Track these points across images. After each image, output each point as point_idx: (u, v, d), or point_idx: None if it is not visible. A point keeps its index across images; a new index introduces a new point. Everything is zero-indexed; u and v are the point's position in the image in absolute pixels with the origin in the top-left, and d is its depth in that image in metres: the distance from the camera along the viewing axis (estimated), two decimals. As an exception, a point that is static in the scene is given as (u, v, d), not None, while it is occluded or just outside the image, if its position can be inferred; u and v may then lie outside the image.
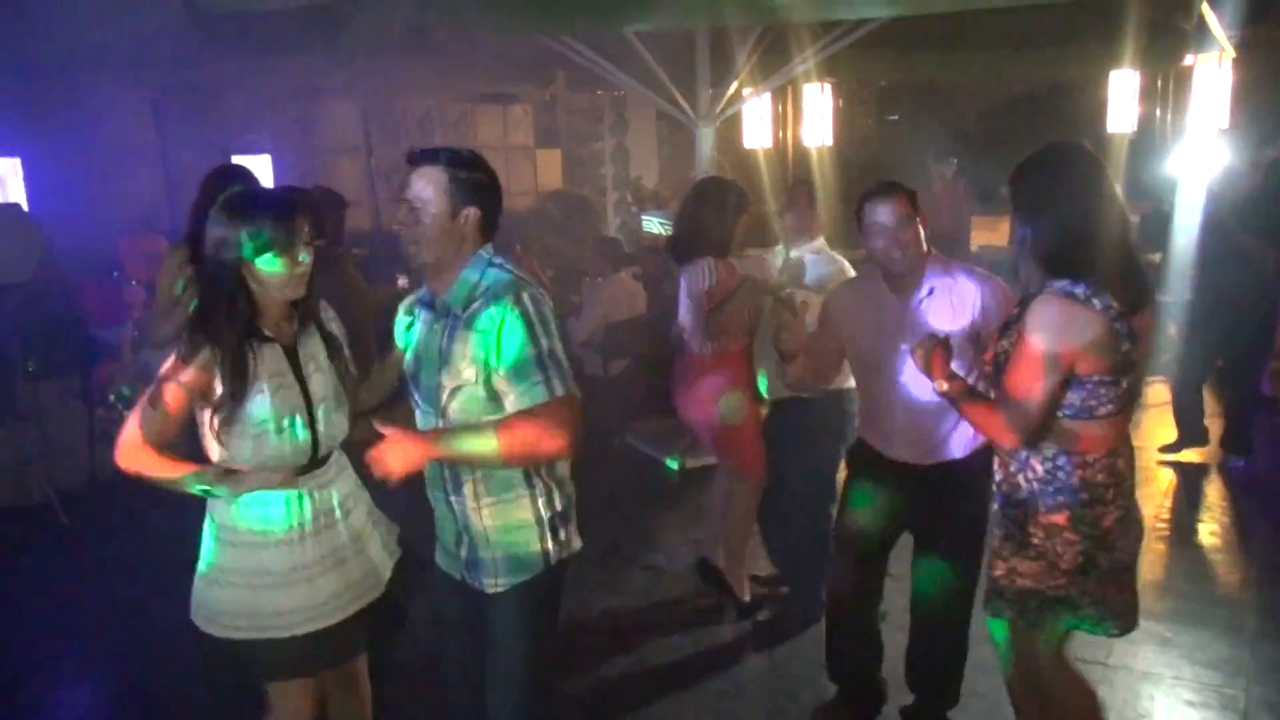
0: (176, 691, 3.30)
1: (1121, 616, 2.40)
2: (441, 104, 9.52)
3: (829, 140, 7.36)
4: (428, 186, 2.19)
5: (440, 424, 2.25)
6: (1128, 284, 2.24)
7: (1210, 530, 4.80)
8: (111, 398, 5.14)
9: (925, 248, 2.81)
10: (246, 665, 2.30)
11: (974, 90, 13.16)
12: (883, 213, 2.77)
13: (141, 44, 4.51)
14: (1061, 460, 2.30)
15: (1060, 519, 2.32)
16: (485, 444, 2.10)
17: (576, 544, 2.37)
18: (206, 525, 2.32)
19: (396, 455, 2.06)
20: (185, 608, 2.34)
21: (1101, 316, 2.19)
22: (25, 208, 5.94)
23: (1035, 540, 2.35)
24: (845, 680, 3.24)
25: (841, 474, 3.33)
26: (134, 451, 2.16)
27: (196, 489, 2.19)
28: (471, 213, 2.22)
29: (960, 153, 8.19)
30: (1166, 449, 5.63)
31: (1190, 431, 5.62)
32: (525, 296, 2.16)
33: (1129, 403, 2.31)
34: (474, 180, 2.23)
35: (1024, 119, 11.95)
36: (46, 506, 5.13)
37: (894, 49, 6.89)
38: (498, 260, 2.26)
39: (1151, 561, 4.35)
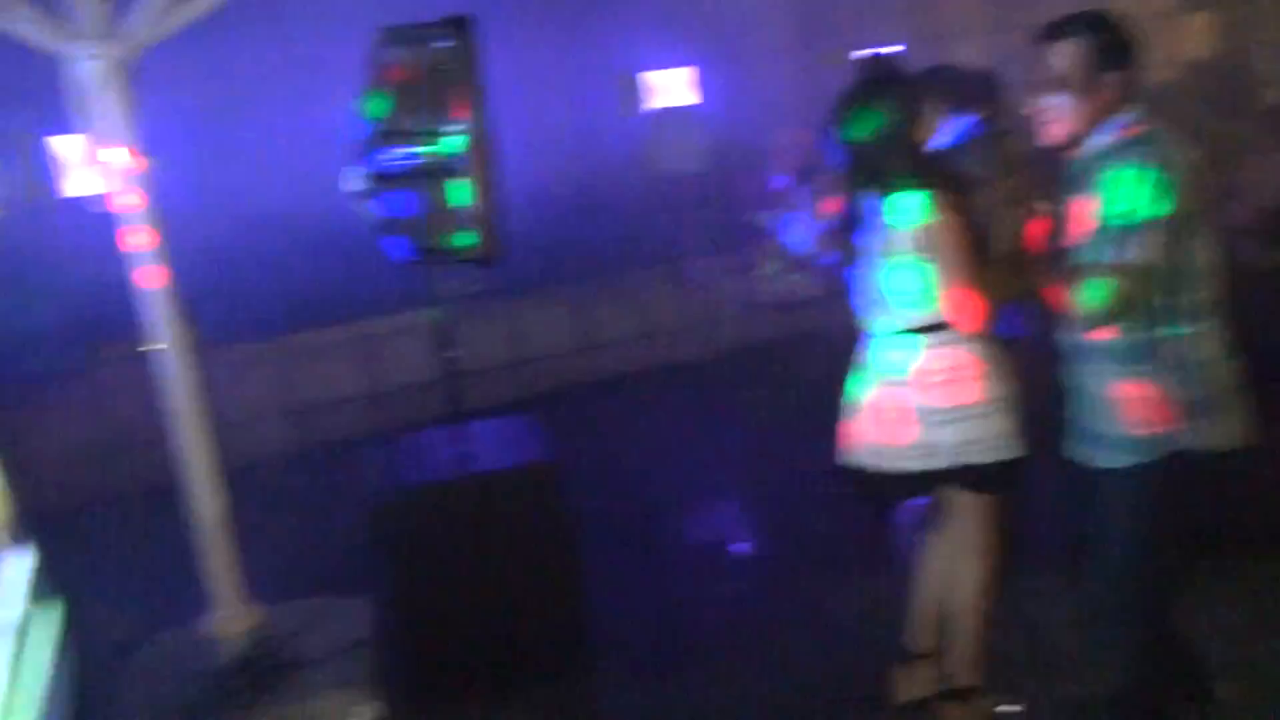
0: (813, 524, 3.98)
1: None
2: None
3: None
4: (1064, 60, 2.16)
5: None
6: None
7: None
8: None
9: None
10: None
11: None
12: None
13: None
14: None
15: None
16: None
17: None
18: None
19: None
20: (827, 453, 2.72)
21: None
22: (697, 111, 6.99)
23: None
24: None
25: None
26: None
27: None
28: (1111, 78, 2.15)
29: None
30: None
31: None
32: (1157, 153, 2.09)
33: None
34: (1111, 42, 2.17)
35: None
36: (726, 358, 6.26)
37: None
38: (1135, 121, 2.16)
39: None
